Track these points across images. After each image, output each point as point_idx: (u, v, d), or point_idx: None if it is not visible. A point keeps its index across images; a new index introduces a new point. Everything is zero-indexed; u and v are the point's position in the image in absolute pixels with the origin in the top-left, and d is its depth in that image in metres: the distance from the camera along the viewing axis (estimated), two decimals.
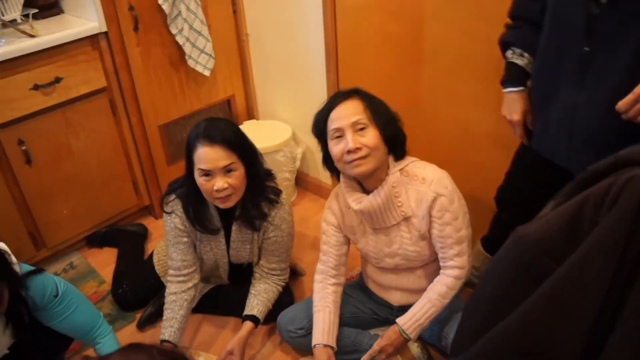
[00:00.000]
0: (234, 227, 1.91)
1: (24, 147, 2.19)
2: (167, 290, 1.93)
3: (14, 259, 1.52)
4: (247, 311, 1.95)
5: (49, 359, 1.83)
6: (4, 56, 2.04)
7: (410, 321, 1.67)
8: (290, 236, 1.98)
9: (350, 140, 1.53)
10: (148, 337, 2.12)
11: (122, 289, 2.23)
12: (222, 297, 2.15)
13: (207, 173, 1.69)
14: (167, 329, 1.86)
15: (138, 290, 2.21)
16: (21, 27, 2.17)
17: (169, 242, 1.91)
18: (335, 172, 1.72)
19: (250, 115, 2.99)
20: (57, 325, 1.67)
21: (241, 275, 2.09)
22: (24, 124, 2.17)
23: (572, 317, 0.87)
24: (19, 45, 2.08)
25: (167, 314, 1.89)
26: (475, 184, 2.01)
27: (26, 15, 2.29)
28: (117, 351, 0.87)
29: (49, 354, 1.81)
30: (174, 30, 2.45)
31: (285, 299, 2.07)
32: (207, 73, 2.63)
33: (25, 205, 2.29)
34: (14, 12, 2.26)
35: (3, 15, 2.22)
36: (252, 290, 2.00)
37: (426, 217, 1.62)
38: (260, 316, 1.94)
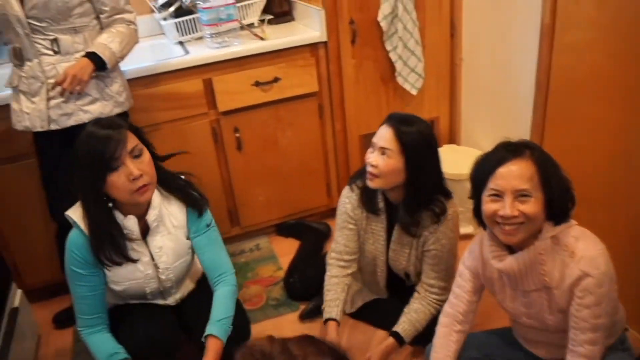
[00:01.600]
0: (395, 229, 1.97)
1: (237, 135, 2.49)
2: (328, 273, 2.07)
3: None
4: (394, 327, 1.97)
5: None
6: (236, 55, 2.37)
7: None
8: (451, 254, 1.95)
9: (508, 207, 1.41)
10: (307, 328, 2.25)
11: (294, 278, 2.41)
12: (380, 309, 2.19)
13: (372, 146, 1.87)
14: (334, 308, 2.00)
15: (307, 283, 2.36)
16: (255, 30, 2.47)
17: (337, 226, 2.06)
18: (483, 223, 1.61)
19: (452, 139, 2.98)
20: (202, 253, 1.84)
21: (402, 290, 2.11)
22: (241, 115, 2.47)
23: None
24: (249, 46, 2.39)
25: (330, 294, 2.03)
26: None
27: (262, 20, 2.60)
28: (293, 338, 0.95)
29: None
30: (388, 47, 2.55)
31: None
32: (414, 92, 2.69)
33: (229, 186, 2.61)
34: (253, 17, 2.59)
35: (244, 19, 2.55)
36: (405, 308, 2.00)
37: (568, 293, 1.45)
38: (404, 334, 1.94)
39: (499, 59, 2.49)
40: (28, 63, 1.94)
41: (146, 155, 1.64)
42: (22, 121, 1.99)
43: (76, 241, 1.67)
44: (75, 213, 1.67)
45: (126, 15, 2.02)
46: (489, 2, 2.46)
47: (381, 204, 1.97)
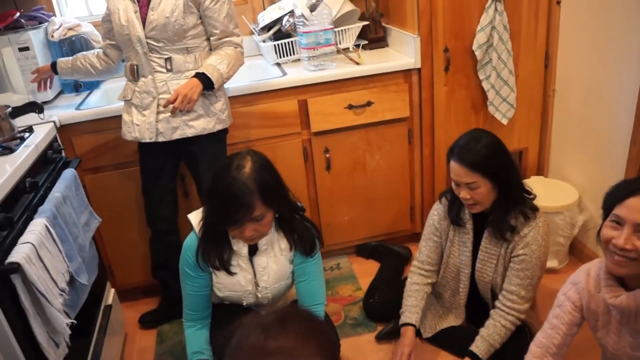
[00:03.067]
0: (485, 235, 1.99)
1: (327, 155, 2.55)
2: (409, 279, 2.17)
3: None
4: (470, 346, 1.97)
5: None
6: (331, 78, 2.46)
7: None
8: (539, 261, 1.93)
9: (623, 238, 1.39)
10: (383, 349, 2.26)
11: (374, 299, 2.43)
12: (458, 336, 2.17)
13: (455, 182, 1.93)
14: (413, 314, 2.09)
15: (387, 305, 2.37)
16: (350, 54, 2.54)
17: (423, 236, 2.16)
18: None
19: (540, 171, 2.93)
20: (300, 281, 1.90)
21: (480, 317, 2.09)
22: (332, 136, 2.55)
23: None
24: (345, 70, 2.46)
25: (410, 300, 2.12)
26: None
27: (357, 45, 2.66)
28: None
29: None
30: (481, 76, 2.56)
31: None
32: (504, 122, 2.67)
33: (316, 204, 2.67)
34: (349, 42, 2.66)
35: (340, 44, 2.63)
36: (482, 326, 2.01)
37: None
38: (478, 352, 1.94)
39: (594, 90, 2.44)
40: (142, 79, 2.09)
41: (267, 218, 1.68)
42: (132, 132, 2.13)
43: (191, 244, 1.81)
44: (195, 218, 1.81)
45: (234, 39, 2.13)
46: (586, 33, 2.42)
47: (467, 214, 2.02)
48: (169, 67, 2.07)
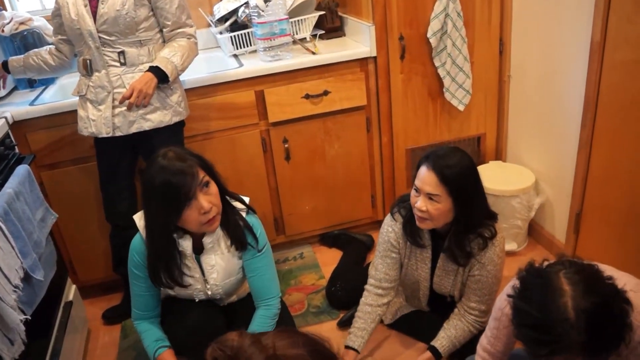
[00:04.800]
0: (440, 257, 1.97)
1: (286, 145, 2.57)
2: (362, 299, 2.07)
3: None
4: (433, 341, 1.99)
5: None
6: (288, 68, 2.45)
7: None
8: (496, 279, 1.95)
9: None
10: (345, 335, 2.27)
11: (335, 287, 2.45)
12: (419, 322, 2.21)
13: (416, 189, 1.83)
14: (358, 339, 2.00)
15: (349, 292, 2.39)
16: (306, 44, 2.55)
17: (378, 253, 2.06)
18: None
19: (498, 156, 2.98)
20: (251, 276, 1.88)
21: (442, 306, 2.13)
22: (290, 126, 2.55)
23: None
24: (301, 60, 2.47)
25: (359, 323, 2.03)
26: None
27: (315, 35, 2.67)
28: (272, 332, 0.97)
29: None
30: (437, 63, 2.59)
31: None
32: (461, 108, 2.71)
33: (277, 195, 2.68)
34: (306, 32, 2.67)
35: (296, 34, 2.63)
36: (445, 324, 2.02)
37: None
38: (442, 350, 1.96)
39: (548, 76, 2.50)
40: (96, 73, 2.07)
41: (213, 187, 1.70)
42: (88, 127, 2.11)
43: (138, 247, 1.80)
44: (140, 220, 1.78)
45: (187, 30, 2.12)
46: (538, 20, 2.47)
47: (427, 239, 1.97)
48: (122, 60, 2.05)
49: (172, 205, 1.63)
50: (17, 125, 2.27)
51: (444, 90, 2.65)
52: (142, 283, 1.83)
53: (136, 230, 2.33)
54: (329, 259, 2.77)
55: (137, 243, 1.81)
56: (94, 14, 1.99)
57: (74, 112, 2.21)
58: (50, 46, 2.27)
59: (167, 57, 2.05)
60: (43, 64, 2.25)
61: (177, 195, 1.61)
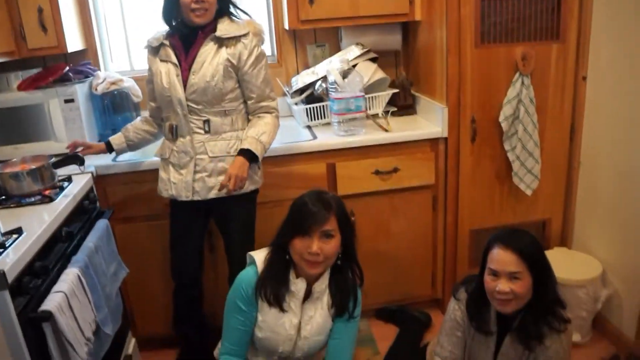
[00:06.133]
0: (507, 339, 1.92)
1: (352, 218, 2.59)
2: None
3: None
4: None
5: None
6: (360, 143, 2.53)
7: None
8: None
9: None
10: None
11: None
12: None
13: (494, 273, 1.81)
14: None
15: None
16: (379, 121, 2.62)
17: (443, 330, 2.04)
18: None
19: (563, 242, 2.93)
20: (334, 338, 1.95)
21: None
22: (358, 199, 2.59)
23: None
24: (374, 137, 2.54)
25: None
26: None
27: (387, 112, 2.74)
28: None
29: None
30: (506, 147, 2.61)
31: None
32: (529, 193, 2.69)
33: None
34: (378, 108, 2.75)
35: (369, 110, 2.71)
36: None
37: None
38: None
39: (621, 165, 2.47)
40: (181, 139, 2.17)
41: (333, 242, 1.80)
42: (169, 189, 2.20)
43: (248, 278, 1.88)
44: (258, 255, 1.90)
45: (270, 103, 2.21)
46: (611, 108, 2.47)
47: (493, 324, 1.92)
48: (207, 128, 2.15)
49: (293, 225, 1.80)
50: (99, 179, 2.39)
51: (513, 174, 2.65)
52: (241, 317, 1.88)
53: (198, 291, 2.39)
54: (385, 334, 2.73)
55: (248, 275, 1.88)
56: (185, 83, 2.11)
57: (153, 171, 2.31)
58: (141, 117, 2.40)
59: (256, 137, 2.13)
60: (147, 135, 2.37)
61: (300, 220, 1.78)
